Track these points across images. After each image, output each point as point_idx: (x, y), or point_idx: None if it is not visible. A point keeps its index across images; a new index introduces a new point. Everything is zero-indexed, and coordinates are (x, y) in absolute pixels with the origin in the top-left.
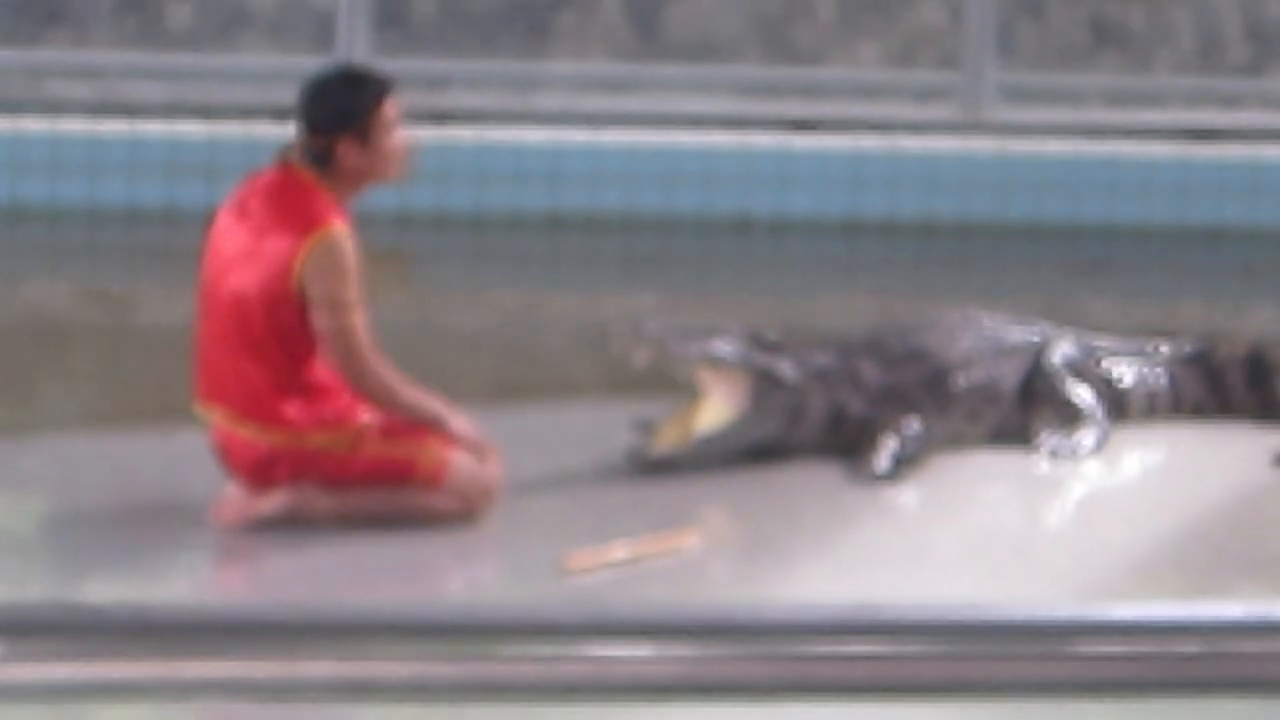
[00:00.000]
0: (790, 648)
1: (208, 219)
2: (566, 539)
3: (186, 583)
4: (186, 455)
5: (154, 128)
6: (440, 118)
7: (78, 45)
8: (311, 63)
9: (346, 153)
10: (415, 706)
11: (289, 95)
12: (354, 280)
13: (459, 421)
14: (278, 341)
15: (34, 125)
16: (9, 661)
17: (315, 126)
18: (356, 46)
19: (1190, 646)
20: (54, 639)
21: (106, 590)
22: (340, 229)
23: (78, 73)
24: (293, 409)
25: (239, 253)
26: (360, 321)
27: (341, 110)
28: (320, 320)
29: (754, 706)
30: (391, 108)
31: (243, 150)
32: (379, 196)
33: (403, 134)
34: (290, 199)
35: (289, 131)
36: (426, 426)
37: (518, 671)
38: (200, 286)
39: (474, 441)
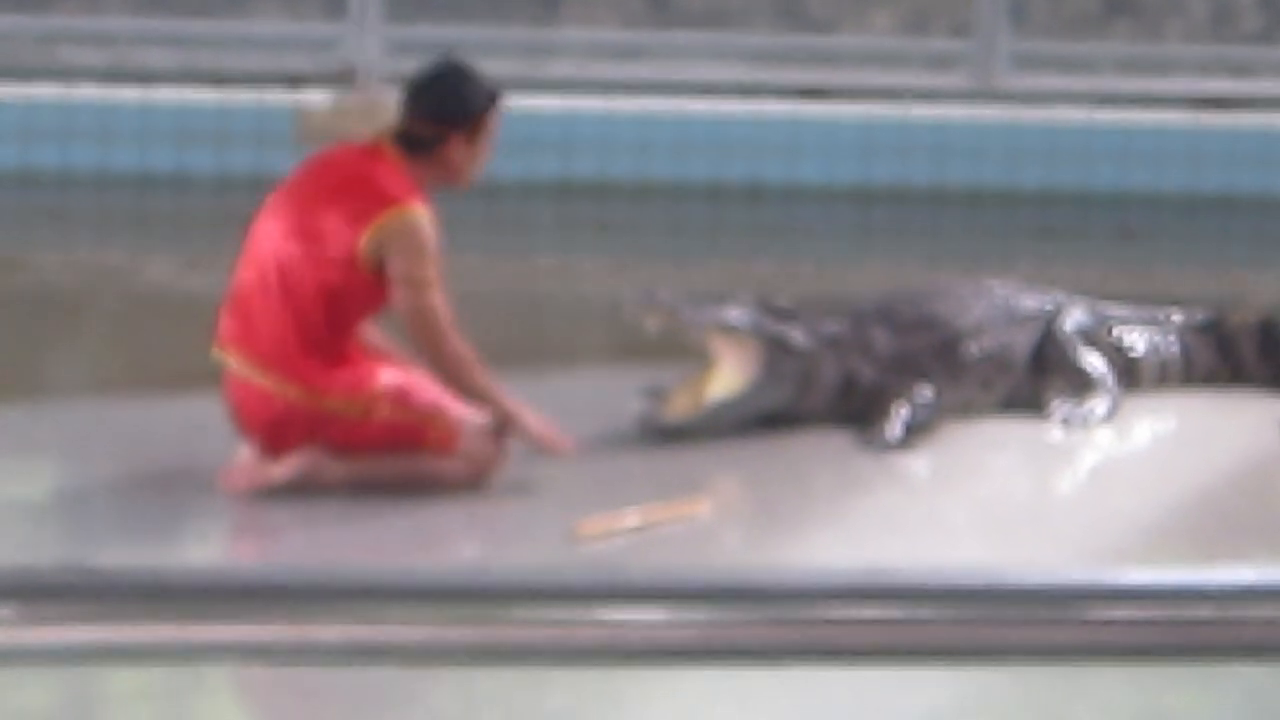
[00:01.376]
0: (803, 612)
1: (220, 186)
2: (578, 506)
3: (197, 548)
4: (197, 422)
5: (165, 94)
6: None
7: (89, 12)
8: (323, 30)
9: (454, 146)
10: (429, 670)
11: (300, 62)
12: (436, 261)
13: (532, 418)
14: (323, 301)
15: (46, 91)
16: (22, 625)
17: (431, 114)
18: (369, 14)
19: (1203, 612)
20: (66, 603)
21: (117, 556)
22: (424, 210)
23: (89, 39)
24: (314, 368)
25: (312, 211)
26: (441, 301)
27: (462, 104)
28: (400, 297)
29: (767, 670)
30: (498, 116)
31: (254, 117)
32: None
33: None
34: (377, 171)
35: (299, 98)
36: (496, 414)
37: (531, 636)
38: (254, 233)
39: (549, 440)
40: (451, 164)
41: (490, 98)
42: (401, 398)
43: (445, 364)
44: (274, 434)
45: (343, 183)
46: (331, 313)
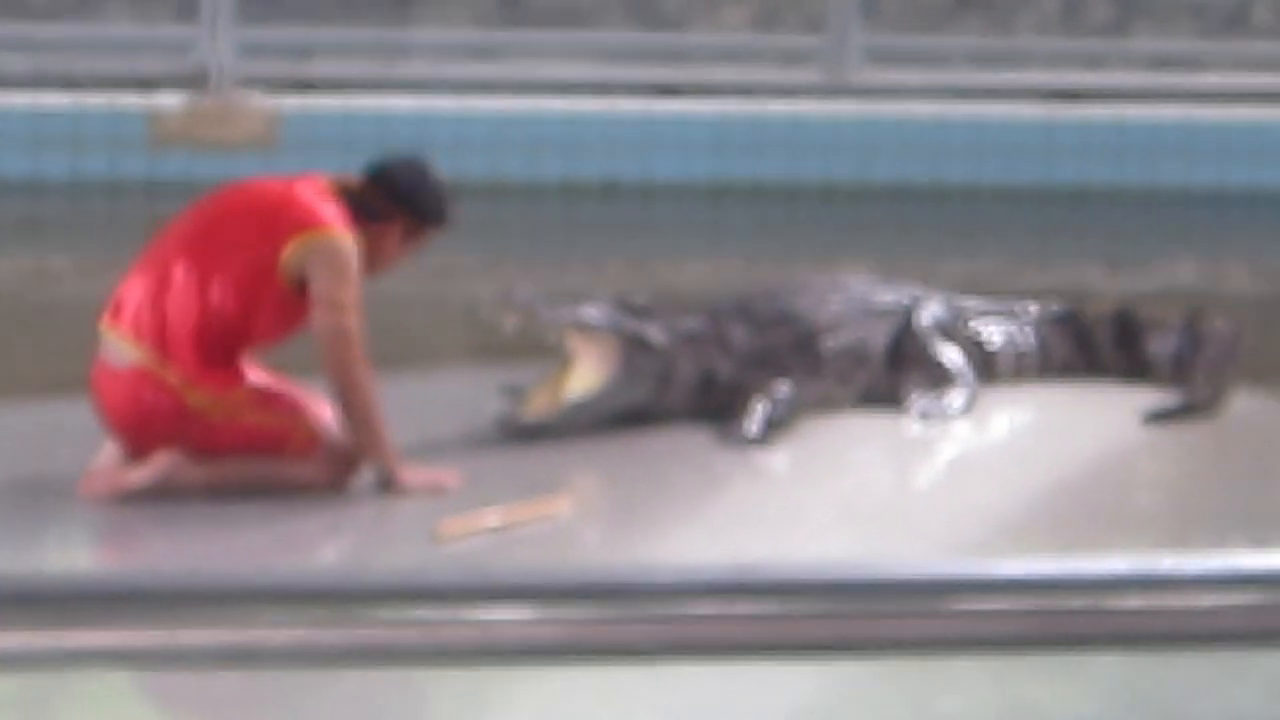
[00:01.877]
0: (670, 609)
1: (74, 191)
2: (438, 507)
3: (57, 554)
4: (52, 429)
5: (18, 99)
6: (305, 86)
7: None
8: (176, 33)
9: (394, 231)
10: (297, 672)
11: (153, 65)
12: (356, 287)
13: (412, 473)
14: (235, 302)
15: None
16: None
17: (393, 192)
18: (220, 16)
19: (1074, 602)
20: None
21: None
22: (352, 240)
23: None
24: (195, 359)
25: (251, 206)
26: (357, 327)
27: (425, 201)
28: (318, 315)
29: (637, 668)
30: (431, 239)
31: (108, 121)
32: (237, 165)
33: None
34: (315, 195)
35: (152, 102)
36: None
37: (400, 636)
38: (183, 215)
39: (433, 486)
40: (381, 245)
41: (445, 217)
42: (265, 400)
43: (350, 390)
44: (139, 424)
45: (277, 196)
46: (242, 316)
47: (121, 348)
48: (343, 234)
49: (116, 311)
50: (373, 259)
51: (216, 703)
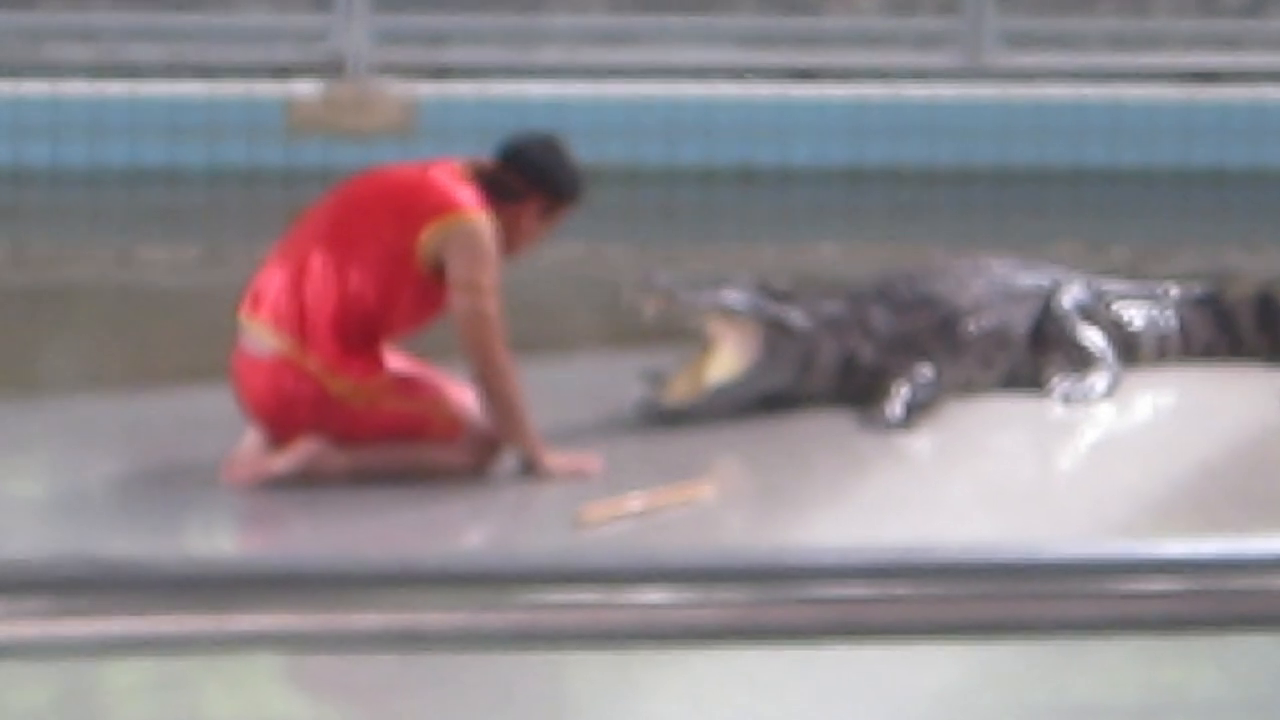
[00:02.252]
0: (816, 591)
1: (212, 179)
2: (580, 492)
3: (201, 541)
4: (196, 416)
5: (155, 88)
6: (441, 73)
7: (76, 8)
8: (311, 21)
9: (531, 210)
10: (451, 655)
11: (288, 54)
12: (494, 269)
13: (554, 458)
14: (373, 289)
15: (34, 88)
16: (46, 617)
17: (528, 171)
18: (355, 4)
19: (1236, 582)
20: (73, 595)
21: (124, 548)
22: (489, 222)
23: (76, 35)
24: (336, 347)
25: (388, 194)
26: (496, 310)
27: (561, 178)
28: (457, 300)
29: (780, 650)
30: (570, 213)
31: (243, 109)
32: (374, 152)
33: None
34: (450, 179)
35: (288, 90)
36: (505, 432)
37: (557, 618)
38: (320, 204)
39: (575, 471)
40: (519, 225)
41: (581, 193)
42: (406, 387)
43: (490, 373)
44: (280, 412)
45: (413, 182)
46: (381, 303)
47: (262, 337)
48: (479, 216)
49: (255, 301)
50: (510, 239)
51: (364, 687)
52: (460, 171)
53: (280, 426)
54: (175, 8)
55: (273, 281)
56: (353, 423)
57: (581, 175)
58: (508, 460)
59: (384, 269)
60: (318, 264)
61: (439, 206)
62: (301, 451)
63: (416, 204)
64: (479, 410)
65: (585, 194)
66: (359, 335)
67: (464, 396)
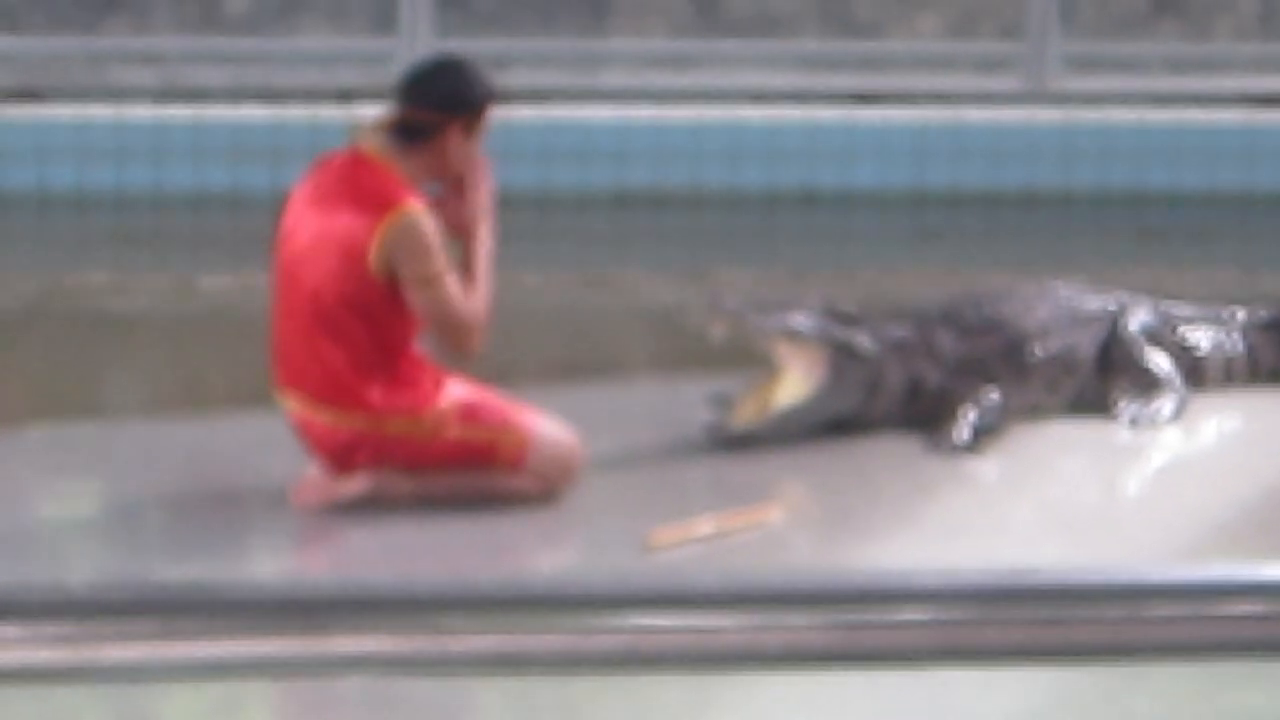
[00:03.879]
0: (884, 616)
1: (276, 204)
2: (648, 516)
3: (270, 563)
4: (261, 440)
5: (218, 112)
6: (504, 97)
7: (139, 31)
8: (374, 44)
9: (452, 135)
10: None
11: (352, 77)
12: (439, 253)
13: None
14: (357, 323)
15: (99, 112)
16: (88, 642)
17: (431, 102)
18: (419, 27)
19: None
20: (137, 618)
21: (187, 572)
22: (417, 206)
23: (140, 59)
24: (373, 393)
25: (313, 236)
26: (453, 287)
27: (464, 94)
28: (416, 299)
29: (847, 675)
30: (492, 114)
31: (307, 133)
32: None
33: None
34: (363, 181)
35: (352, 113)
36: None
37: (614, 643)
38: (274, 272)
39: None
40: (445, 154)
41: (489, 92)
42: (469, 414)
43: (474, 339)
44: (342, 459)
45: (342, 197)
46: (368, 329)
47: (303, 409)
48: (405, 209)
49: (281, 372)
50: (446, 166)
51: (413, 710)
52: (365, 155)
53: (344, 468)
54: (239, 31)
55: (283, 348)
56: (417, 453)
57: (482, 75)
58: (578, 485)
59: (355, 302)
60: (303, 326)
61: (370, 220)
62: (370, 476)
63: (352, 229)
64: (547, 435)
65: (494, 93)
66: (384, 371)
67: (533, 422)
